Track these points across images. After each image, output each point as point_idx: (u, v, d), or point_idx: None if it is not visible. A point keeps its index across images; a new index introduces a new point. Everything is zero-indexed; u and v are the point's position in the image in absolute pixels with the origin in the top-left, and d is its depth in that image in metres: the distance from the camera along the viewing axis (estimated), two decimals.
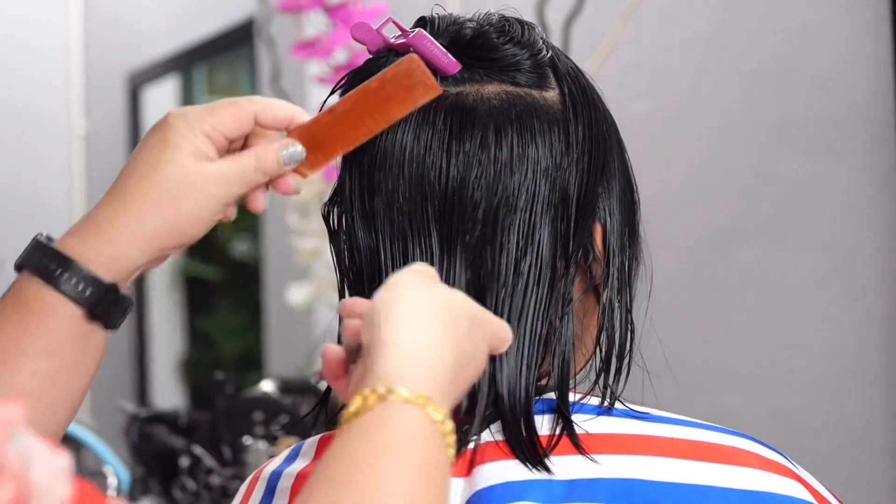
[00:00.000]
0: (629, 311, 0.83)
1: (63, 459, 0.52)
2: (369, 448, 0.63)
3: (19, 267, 0.75)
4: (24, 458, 0.51)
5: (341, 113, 0.79)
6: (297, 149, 0.78)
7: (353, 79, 0.85)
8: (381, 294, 0.69)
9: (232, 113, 0.76)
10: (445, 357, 0.68)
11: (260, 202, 0.79)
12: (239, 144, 0.79)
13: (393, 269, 0.79)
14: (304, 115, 0.79)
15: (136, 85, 4.42)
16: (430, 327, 0.68)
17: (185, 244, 0.76)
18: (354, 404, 0.65)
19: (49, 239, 0.75)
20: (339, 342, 0.76)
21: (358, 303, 0.73)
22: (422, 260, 0.79)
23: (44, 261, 0.73)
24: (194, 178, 0.75)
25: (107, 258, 0.74)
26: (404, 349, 0.66)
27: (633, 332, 0.83)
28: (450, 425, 0.66)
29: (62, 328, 0.73)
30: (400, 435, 0.64)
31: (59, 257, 0.73)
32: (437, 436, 0.65)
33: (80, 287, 0.73)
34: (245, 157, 0.77)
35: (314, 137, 0.79)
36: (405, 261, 0.80)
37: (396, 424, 0.64)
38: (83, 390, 0.77)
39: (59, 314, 0.73)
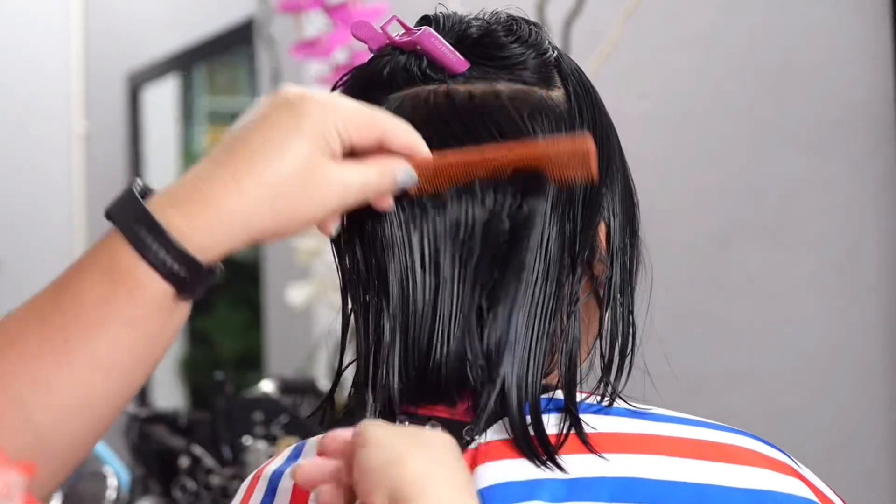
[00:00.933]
0: (631, 310, 0.83)
1: None
2: None
3: (110, 217, 0.70)
4: None
5: (489, 157, 0.76)
6: (413, 176, 0.75)
7: (356, 77, 0.84)
8: (369, 456, 0.68)
9: (368, 125, 0.72)
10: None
11: (332, 225, 0.75)
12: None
13: (397, 266, 0.79)
14: (425, 147, 0.75)
15: (136, 85, 4.43)
16: (444, 472, 0.68)
17: (283, 237, 0.73)
18: None
19: (144, 193, 0.70)
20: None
21: (339, 441, 0.71)
22: (429, 254, 0.79)
23: (140, 230, 0.68)
24: (320, 181, 0.70)
25: (206, 240, 0.69)
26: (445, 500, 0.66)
27: (634, 330, 0.83)
28: None
29: (149, 303, 0.70)
30: None
31: (156, 228, 0.68)
32: None
33: (175, 267, 0.69)
34: (370, 170, 0.72)
35: (440, 167, 0.76)
36: (411, 258, 0.79)
37: None
38: (159, 359, 0.74)
39: (149, 289, 0.69)
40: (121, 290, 0.69)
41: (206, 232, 0.69)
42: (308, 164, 0.70)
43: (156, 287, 0.70)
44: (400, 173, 0.74)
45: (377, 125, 0.73)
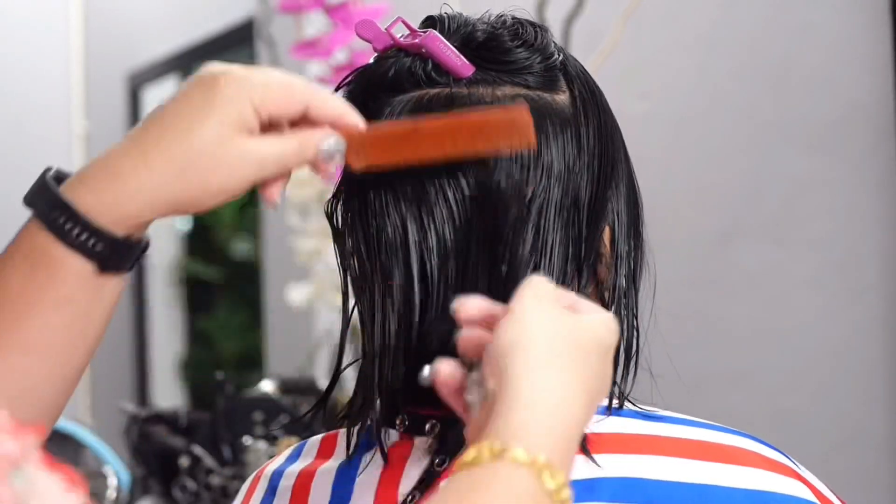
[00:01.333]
0: (635, 313, 0.83)
1: (76, 499, 0.50)
2: None
3: (26, 203, 0.72)
4: (25, 495, 0.48)
5: (422, 128, 0.75)
6: (340, 145, 0.73)
7: (361, 78, 0.84)
8: (507, 329, 0.67)
9: (286, 96, 0.72)
10: (575, 410, 0.66)
11: (276, 192, 0.74)
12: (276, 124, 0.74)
13: (401, 269, 0.79)
14: (355, 116, 0.75)
15: (136, 85, 4.43)
16: (560, 376, 0.66)
17: (200, 210, 0.73)
18: (469, 455, 0.63)
19: (58, 178, 0.72)
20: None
21: (475, 307, 0.70)
22: (434, 256, 0.79)
23: (52, 212, 0.70)
24: (231, 154, 0.70)
25: (119, 214, 0.70)
26: (532, 407, 0.64)
27: (638, 332, 0.83)
28: (567, 493, 0.63)
29: (72, 281, 0.70)
30: (506, 499, 0.62)
31: (67, 210, 0.70)
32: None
33: (91, 242, 0.70)
34: (289, 141, 0.72)
35: (372, 140, 0.75)
36: (416, 262, 0.79)
37: (505, 488, 0.62)
38: (98, 335, 0.75)
39: (68, 268, 0.70)
40: (41, 273, 0.70)
41: (112, 205, 0.70)
42: (218, 138, 0.70)
43: (75, 264, 0.70)
44: (324, 142, 0.73)
45: (296, 95, 0.72)
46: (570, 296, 0.71)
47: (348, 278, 0.84)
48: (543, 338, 0.66)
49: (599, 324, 0.70)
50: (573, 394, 0.66)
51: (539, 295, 0.69)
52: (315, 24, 2.46)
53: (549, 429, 0.64)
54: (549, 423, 0.64)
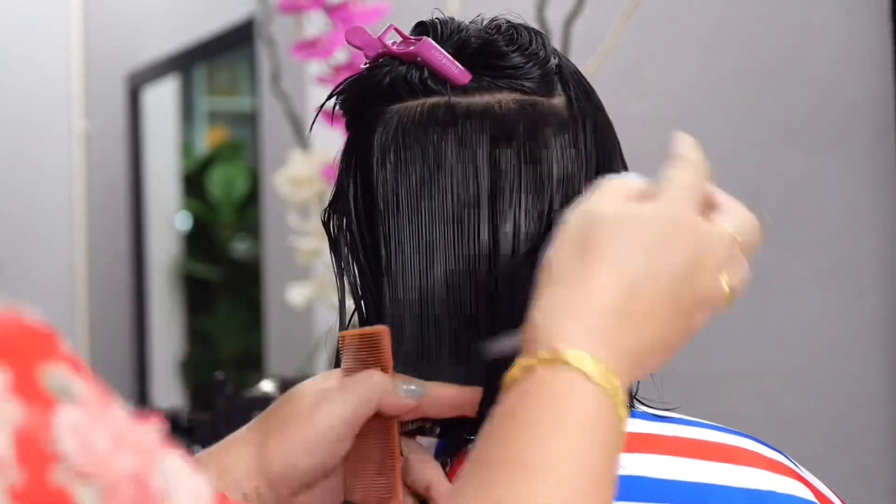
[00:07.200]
0: None
1: (204, 485, 0.50)
2: (536, 426, 0.60)
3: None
4: (168, 484, 0.49)
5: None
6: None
7: (355, 86, 0.83)
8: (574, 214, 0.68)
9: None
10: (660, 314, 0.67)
11: None
12: None
13: (396, 276, 0.79)
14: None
15: (136, 85, 4.43)
16: (651, 262, 0.66)
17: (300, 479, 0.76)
18: (518, 365, 0.63)
19: None
20: None
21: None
22: (429, 271, 0.79)
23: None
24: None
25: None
26: (578, 290, 0.64)
27: None
28: (623, 412, 0.62)
29: None
30: (570, 409, 0.60)
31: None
32: (609, 407, 0.62)
33: None
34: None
35: None
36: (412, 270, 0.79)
37: (564, 398, 0.61)
38: None
39: None
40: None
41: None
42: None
43: None
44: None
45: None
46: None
47: (344, 289, 0.84)
48: (620, 218, 0.69)
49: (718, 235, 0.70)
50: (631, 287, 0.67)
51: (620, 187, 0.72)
52: (315, 24, 2.46)
53: (599, 322, 0.64)
54: (597, 312, 0.64)
